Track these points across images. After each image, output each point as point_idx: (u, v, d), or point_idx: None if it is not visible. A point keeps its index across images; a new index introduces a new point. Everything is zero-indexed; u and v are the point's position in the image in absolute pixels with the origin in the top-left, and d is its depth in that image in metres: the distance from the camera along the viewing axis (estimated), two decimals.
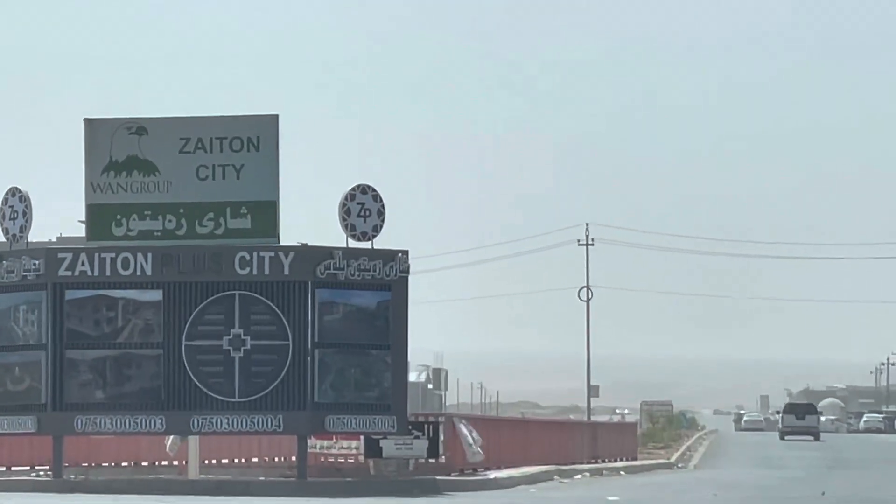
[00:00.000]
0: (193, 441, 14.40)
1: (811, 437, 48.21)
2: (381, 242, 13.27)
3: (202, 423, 13.38)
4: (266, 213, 13.72)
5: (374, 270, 13.58)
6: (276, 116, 13.89)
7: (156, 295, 13.38)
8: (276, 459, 17.37)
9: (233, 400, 13.21)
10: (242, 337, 13.13)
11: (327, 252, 13.47)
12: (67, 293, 13.43)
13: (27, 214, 13.98)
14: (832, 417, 65.08)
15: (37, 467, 15.15)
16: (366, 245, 13.47)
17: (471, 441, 16.50)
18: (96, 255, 13.47)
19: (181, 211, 13.82)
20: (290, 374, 13.12)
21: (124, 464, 16.98)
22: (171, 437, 14.37)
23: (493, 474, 16.46)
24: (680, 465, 29.46)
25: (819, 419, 52.42)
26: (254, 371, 13.04)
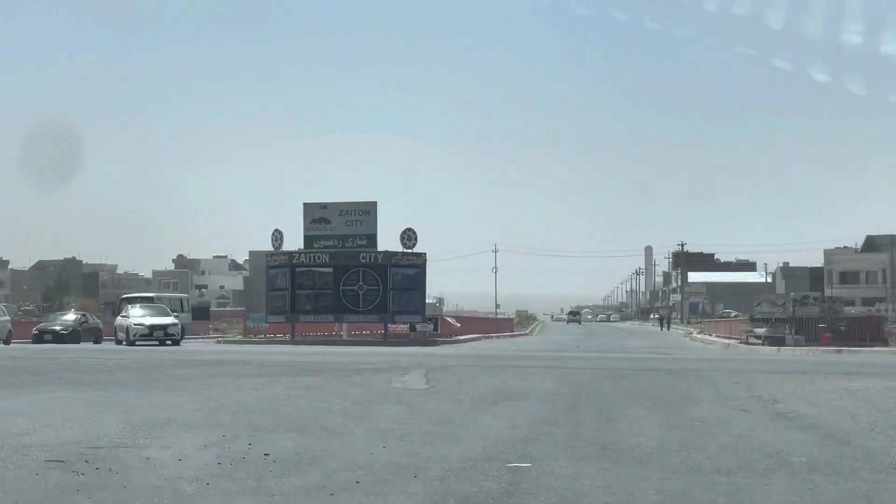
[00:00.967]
0: (344, 326, 33.62)
1: (578, 323, 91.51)
2: (417, 248, 34.07)
3: (348, 318, 32.73)
4: (371, 238, 32.87)
5: (413, 259, 32.57)
6: (375, 203, 32.90)
7: (329, 269, 32.34)
8: (377, 333, 33.38)
9: (360, 309, 32.41)
10: (363, 285, 31.95)
11: (395, 253, 32.27)
12: (297, 269, 32.25)
13: (280, 239, 32.32)
14: (589, 316, 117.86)
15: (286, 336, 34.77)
16: (409, 250, 32.18)
17: (452, 323, 41.31)
18: (309, 254, 31.77)
19: (338, 237, 32.89)
20: (381, 299, 31.46)
21: (321, 334, 34.42)
22: (337, 324, 33.75)
23: (460, 337, 36.08)
24: (528, 334, 61.87)
25: (581, 316, 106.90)
26: (368, 299, 31.28)
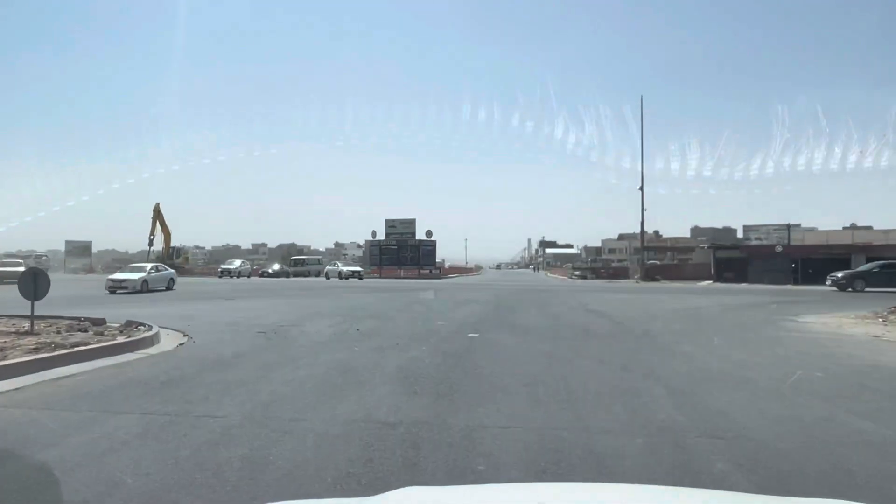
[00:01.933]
0: (401, 271, 59.13)
1: (499, 269, 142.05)
2: (433, 236, 60.15)
3: (404, 267, 60.25)
4: (412, 233, 61.51)
5: (430, 243, 60.99)
6: (415, 219, 60.73)
7: (395, 246, 61.45)
8: (417, 272, 57.23)
9: (408, 263, 60.05)
10: (409, 254, 60.69)
11: (423, 241, 61.07)
12: (382, 247, 61.65)
13: (375, 234, 61.98)
14: (504, 266, 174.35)
15: None
16: (428, 239, 60.80)
17: (448, 268, 66.18)
18: (387, 241, 61.99)
19: (398, 233, 61.60)
20: (417, 259, 60.34)
21: (392, 275, 58.12)
22: (399, 269, 59.00)
23: (451, 276, 62.24)
24: (479, 274, 63.57)
25: (501, 266, 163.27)
26: (412, 259, 60.05)
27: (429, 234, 58.56)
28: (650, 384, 6.93)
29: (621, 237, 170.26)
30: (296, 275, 54.33)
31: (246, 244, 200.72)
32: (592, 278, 53.57)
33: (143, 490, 3.62)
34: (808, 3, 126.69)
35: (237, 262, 51.42)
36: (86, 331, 10.12)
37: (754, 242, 42.63)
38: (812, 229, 49.73)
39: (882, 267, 28.06)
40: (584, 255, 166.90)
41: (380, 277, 55.97)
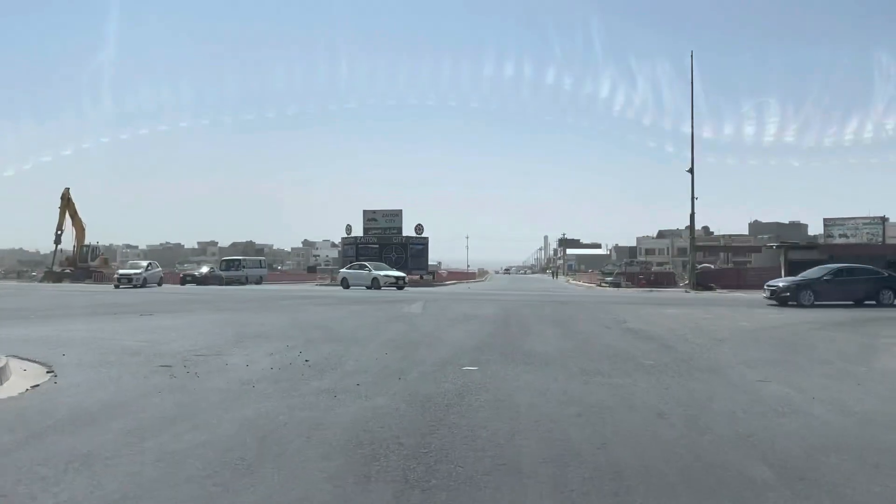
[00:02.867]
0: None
1: (508, 274, 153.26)
2: (424, 232, 58.72)
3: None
4: (398, 228, 59.74)
5: (421, 240, 59.63)
6: (401, 210, 60.10)
7: (377, 245, 59.15)
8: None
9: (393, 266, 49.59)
10: (394, 254, 58.07)
11: (411, 237, 59.54)
12: (359, 246, 59.29)
13: (350, 230, 61.17)
14: (514, 271, 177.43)
15: None
16: (418, 235, 59.22)
17: (444, 273, 70.69)
18: (365, 238, 60.48)
19: (381, 228, 60.11)
20: (404, 261, 56.57)
21: None
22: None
23: (447, 283, 62.17)
24: (483, 281, 79.95)
25: (510, 271, 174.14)
26: (398, 261, 56.31)
27: (419, 228, 57.32)
28: (743, 456, 5.65)
29: (661, 234, 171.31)
30: (228, 281, 54.01)
31: (191, 243, 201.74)
32: (628, 286, 52.93)
33: None
34: None
35: (142, 266, 47.85)
36: None
37: (839, 240, 41.20)
38: None
39: (835, 273, 26.35)
40: (614, 257, 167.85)
41: None
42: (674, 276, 56.73)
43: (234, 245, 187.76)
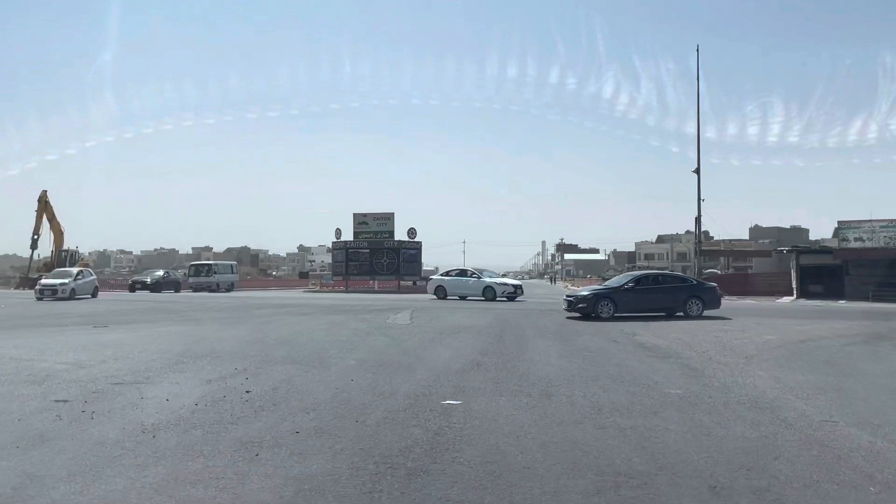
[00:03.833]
0: (375, 282, 57.52)
1: None
2: (417, 236, 56.24)
3: (378, 277, 56.83)
4: (390, 232, 56.52)
5: (414, 245, 56.93)
6: (393, 213, 56.64)
7: (367, 250, 56.63)
8: (394, 285, 55.67)
9: (384, 273, 56.43)
10: (386, 259, 56.18)
11: (404, 241, 56.81)
12: (349, 250, 57.16)
13: (339, 234, 58.74)
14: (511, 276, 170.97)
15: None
16: (411, 239, 56.68)
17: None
18: (356, 242, 57.49)
19: (372, 232, 57.31)
20: (396, 267, 55.71)
21: (363, 286, 57.53)
22: (371, 280, 57.03)
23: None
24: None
25: (507, 276, 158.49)
26: (389, 266, 55.86)
27: (412, 232, 55.06)
28: None
29: (660, 239, 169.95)
30: (197, 287, 50.98)
31: (186, 248, 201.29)
32: None
33: None
34: None
35: (71, 273, 40.19)
36: None
37: (854, 244, 38.88)
38: None
39: (638, 281, 23.84)
40: (613, 262, 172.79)
41: (346, 291, 54.22)
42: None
43: (228, 250, 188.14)
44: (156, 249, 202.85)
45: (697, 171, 41.86)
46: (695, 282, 24.71)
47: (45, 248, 58.79)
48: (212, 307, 27.64)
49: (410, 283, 54.14)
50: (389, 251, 56.43)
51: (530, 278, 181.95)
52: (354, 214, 54.90)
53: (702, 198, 41.46)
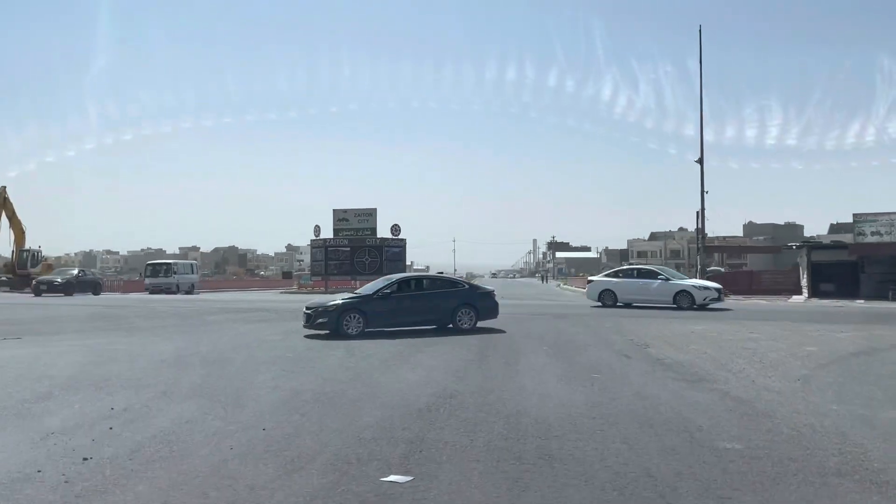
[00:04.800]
0: (357, 282, 48.87)
1: (496, 278, 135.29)
2: (401, 234, 52.91)
3: (359, 277, 50.87)
4: (372, 230, 53.23)
5: (398, 243, 53.89)
6: (375, 209, 53.60)
7: (348, 248, 53.50)
8: None
9: (366, 272, 51.02)
10: (367, 258, 52.72)
11: (387, 239, 53.66)
12: (328, 248, 53.57)
13: (318, 231, 55.20)
14: (502, 275, 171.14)
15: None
16: (395, 237, 53.27)
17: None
18: (336, 239, 54.52)
19: (353, 229, 53.87)
20: (379, 266, 51.26)
21: (344, 287, 46.77)
22: (352, 280, 50.99)
23: None
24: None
25: (498, 274, 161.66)
26: (371, 265, 51.72)
27: (395, 229, 51.35)
28: None
29: (653, 237, 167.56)
30: (154, 290, 46.39)
31: (173, 248, 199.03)
32: None
33: None
34: None
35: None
36: None
37: (871, 238, 35.62)
38: None
39: (399, 286, 20.59)
40: (605, 260, 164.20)
41: (325, 292, 50.09)
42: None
43: (215, 250, 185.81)
44: (143, 250, 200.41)
45: (700, 160, 38.98)
46: (467, 286, 20.06)
47: (5, 248, 53.83)
48: (162, 313, 25.01)
49: None
50: (371, 249, 53.50)
51: (521, 277, 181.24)
52: (334, 210, 51.85)
53: (706, 190, 38.36)
